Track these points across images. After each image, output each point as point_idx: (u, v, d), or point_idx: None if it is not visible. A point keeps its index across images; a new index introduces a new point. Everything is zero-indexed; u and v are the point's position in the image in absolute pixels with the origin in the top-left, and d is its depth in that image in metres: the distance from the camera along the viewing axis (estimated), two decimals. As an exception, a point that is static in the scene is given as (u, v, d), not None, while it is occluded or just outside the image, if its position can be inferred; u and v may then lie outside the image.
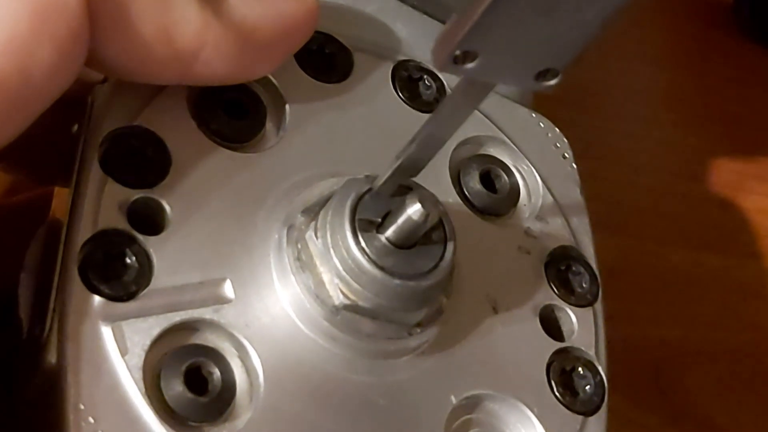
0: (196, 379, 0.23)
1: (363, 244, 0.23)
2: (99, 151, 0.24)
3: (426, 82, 0.29)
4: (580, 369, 0.27)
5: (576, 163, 0.31)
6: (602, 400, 0.27)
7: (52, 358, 0.22)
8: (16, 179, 0.32)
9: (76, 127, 0.25)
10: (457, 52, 0.19)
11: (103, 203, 0.23)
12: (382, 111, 0.28)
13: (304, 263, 0.24)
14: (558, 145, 0.31)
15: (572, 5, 0.18)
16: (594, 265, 0.29)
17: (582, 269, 0.29)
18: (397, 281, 0.23)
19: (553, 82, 0.20)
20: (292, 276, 0.24)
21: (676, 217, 0.51)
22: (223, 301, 0.24)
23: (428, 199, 0.23)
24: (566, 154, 0.31)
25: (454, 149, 0.28)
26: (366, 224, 0.23)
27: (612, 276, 0.30)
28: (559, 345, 0.27)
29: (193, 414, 0.22)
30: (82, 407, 0.22)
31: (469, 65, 0.19)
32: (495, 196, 0.29)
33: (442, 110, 0.23)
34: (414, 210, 0.23)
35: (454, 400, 0.25)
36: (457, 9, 0.27)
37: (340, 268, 0.23)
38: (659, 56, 0.58)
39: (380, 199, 0.23)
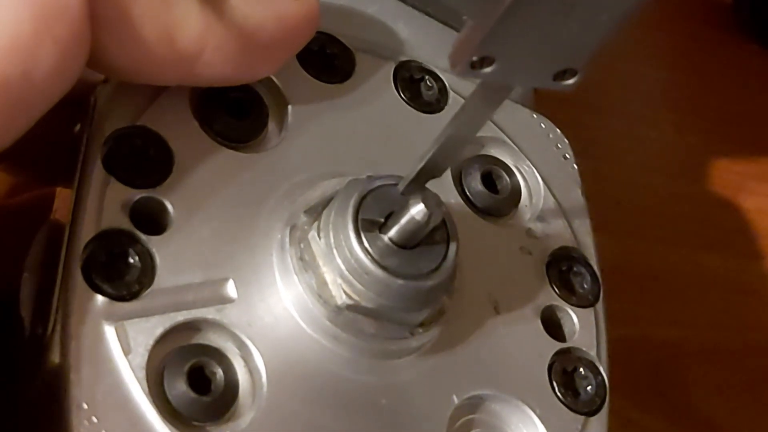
0: (199, 379, 0.23)
1: (366, 244, 0.23)
2: (102, 151, 0.24)
3: (427, 82, 0.29)
4: (581, 369, 0.27)
5: (577, 164, 0.31)
6: (603, 401, 0.27)
7: (54, 357, 0.22)
8: (18, 180, 0.32)
9: (78, 127, 0.25)
10: (474, 58, 0.19)
11: (105, 203, 0.23)
12: (383, 111, 0.28)
13: (306, 263, 0.24)
14: (559, 145, 0.31)
15: (587, 7, 0.19)
16: (595, 266, 0.29)
17: (583, 270, 0.29)
18: (399, 281, 0.23)
19: (571, 81, 0.20)
20: (295, 276, 0.24)
21: (676, 217, 0.51)
22: (225, 300, 0.24)
23: (431, 200, 0.23)
24: (567, 155, 0.31)
25: (456, 150, 0.28)
26: (369, 224, 0.23)
27: (612, 276, 0.30)
28: (560, 345, 0.27)
29: (196, 413, 0.22)
30: (84, 406, 0.22)
31: (487, 70, 0.20)
32: (496, 197, 0.29)
33: (462, 112, 0.23)
34: (417, 210, 0.23)
35: (456, 400, 0.25)
36: (460, 11, 0.27)
37: (343, 268, 0.23)
38: (659, 56, 0.58)
39: (383, 199, 0.23)
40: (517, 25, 0.19)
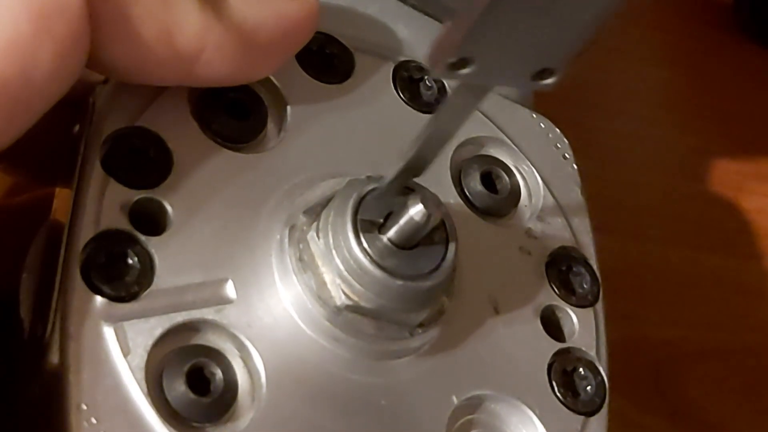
0: (198, 380, 0.23)
1: (365, 244, 0.23)
2: (100, 151, 0.24)
3: (427, 82, 0.29)
4: (581, 369, 0.27)
5: (576, 164, 0.31)
6: (603, 401, 0.27)
7: (53, 358, 0.22)
8: (17, 180, 0.32)
9: (77, 127, 0.25)
10: (453, 60, 0.19)
11: (104, 204, 0.23)
12: (383, 111, 0.28)
13: (305, 264, 0.24)
14: (559, 145, 0.31)
15: (566, 7, 0.19)
16: (595, 266, 0.29)
17: (583, 270, 0.29)
18: (399, 282, 0.23)
19: (550, 80, 0.20)
20: (294, 276, 0.24)
21: (676, 217, 0.51)
22: (225, 301, 0.24)
23: (430, 200, 0.23)
24: (567, 155, 0.31)
25: (455, 150, 0.28)
26: (368, 225, 0.23)
27: (612, 276, 0.30)
28: (560, 345, 0.27)
29: (196, 414, 0.22)
30: (84, 408, 0.22)
31: (466, 71, 0.20)
32: (496, 197, 0.29)
33: (443, 111, 0.23)
34: (416, 211, 0.23)
35: (455, 400, 0.25)
36: (457, 11, 0.27)
37: (342, 268, 0.23)
38: (659, 56, 0.58)
39: (382, 199, 0.23)
40: (495, 26, 0.19)
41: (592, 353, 0.28)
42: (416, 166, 0.23)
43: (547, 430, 0.26)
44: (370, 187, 0.24)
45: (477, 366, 0.26)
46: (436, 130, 0.23)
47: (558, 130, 0.31)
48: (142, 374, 0.22)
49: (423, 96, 0.29)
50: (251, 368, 0.23)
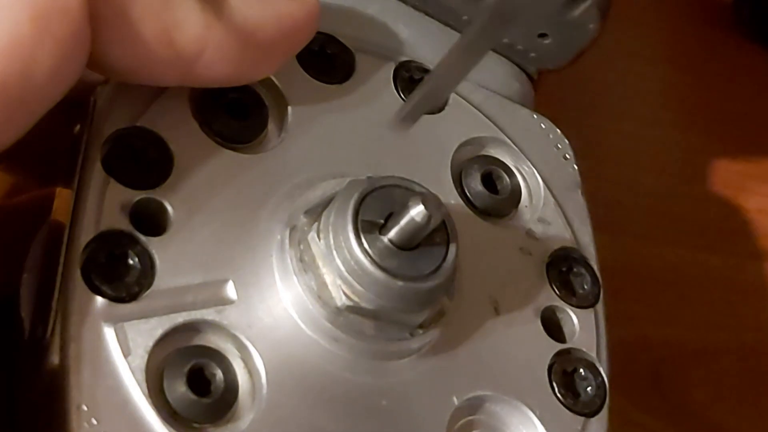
0: (198, 381, 0.23)
1: (365, 245, 0.23)
2: (101, 151, 0.24)
3: (428, 82, 0.29)
4: (581, 370, 0.27)
5: (577, 164, 0.31)
6: (604, 401, 0.27)
7: (54, 359, 0.22)
8: (18, 180, 0.32)
9: (78, 127, 0.25)
10: None
11: (105, 204, 0.23)
12: (383, 111, 0.28)
13: (306, 264, 0.24)
14: (559, 146, 0.31)
15: None
16: (595, 267, 0.29)
17: (583, 270, 0.29)
18: (399, 283, 0.23)
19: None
20: (295, 277, 0.24)
21: (676, 217, 0.50)
22: (225, 302, 0.24)
23: (431, 201, 0.23)
24: (567, 155, 0.31)
25: (456, 150, 0.28)
26: (368, 225, 0.23)
27: (612, 276, 0.30)
28: (560, 346, 0.27)
29: (196, 415, 0.22)
30: (84, 408, 0.22)
31: None
32: (496, 197, 0.29)
33: (462, 43, 0.22)
34: (417, 211, 0.23)
35: (456, 401, 0.25)
36: (460, 11, 0.26)
37: (343, 269, 0.23)
38: (659, 56, 0.58)
39: (383, 200, 0.23)
40: None
41: (593, 354, 0.28)
42: (435, 95, 0.23)
43: (547, 431, 0.26)
44: (371, 188, 0.24)
45: (477, 367, 0.26)
46: (452, 63, 0.22)
47: (558, 130, 0.31)
48: (142, 375, 0.22)
49: (423, 96, 0.29)
50: (252, 369, 0.23)
